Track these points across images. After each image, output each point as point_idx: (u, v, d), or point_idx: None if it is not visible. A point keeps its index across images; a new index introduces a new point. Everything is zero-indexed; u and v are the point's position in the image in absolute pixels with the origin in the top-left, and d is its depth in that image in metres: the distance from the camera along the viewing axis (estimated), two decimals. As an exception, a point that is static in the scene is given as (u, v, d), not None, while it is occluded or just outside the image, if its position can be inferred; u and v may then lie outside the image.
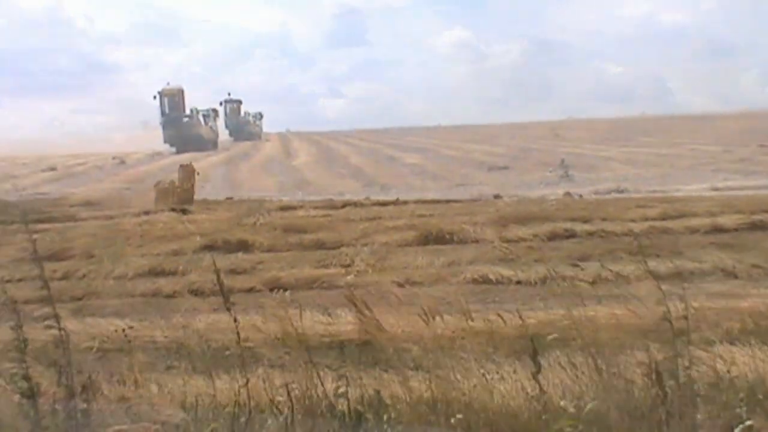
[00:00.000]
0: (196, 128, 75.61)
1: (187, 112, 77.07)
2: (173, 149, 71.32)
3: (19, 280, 12.84)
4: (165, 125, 74.99)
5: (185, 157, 52.84)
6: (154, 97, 76.30)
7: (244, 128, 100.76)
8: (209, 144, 74.34)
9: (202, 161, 52.32)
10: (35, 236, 17.97)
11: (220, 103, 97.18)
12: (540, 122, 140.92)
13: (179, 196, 26.21)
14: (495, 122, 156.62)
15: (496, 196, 23.83)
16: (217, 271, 6.09)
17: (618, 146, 52.57)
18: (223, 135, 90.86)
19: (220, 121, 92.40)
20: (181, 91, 78.28)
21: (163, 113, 75.93)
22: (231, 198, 27.91)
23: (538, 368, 5.13)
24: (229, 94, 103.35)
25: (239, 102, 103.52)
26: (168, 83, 78.02)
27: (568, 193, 23.76)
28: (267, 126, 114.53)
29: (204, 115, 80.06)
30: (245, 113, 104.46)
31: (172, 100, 76.65)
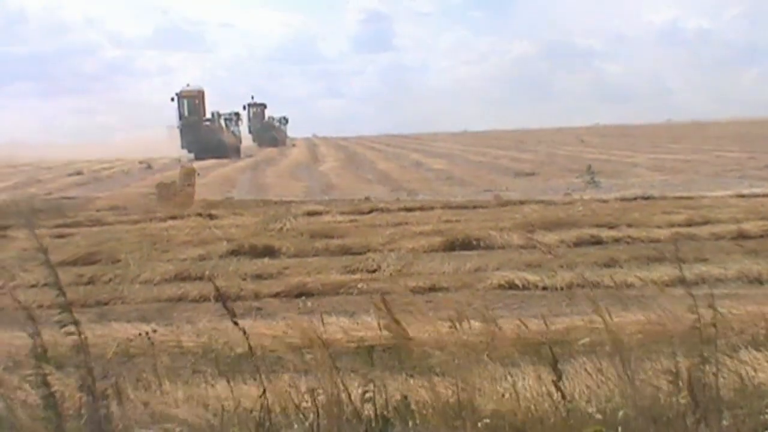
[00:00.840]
0: (217, 133, 70.47)
1: (208, 115, 71.63)
2: (191, 155, 66.59)
3: (44, 285, 12.94)
4: (183, 129, 69.77)
5: (209, 164, 52.76)
6: (172, 99, 70.64)
7: (268, 133, 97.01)
8: (231, 150, 69.46)
9: (227, 166, 52.46)
10: (63, 240, 18.13)
11: (244, 107, 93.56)
12: (566, 128, 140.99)
13: (179, 197, 26.34)
14: (521, 128, 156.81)
15: (522, 202, 23.75)
16: (216, 287, 6.09)
17: (644, 152, 52.41)
18: (247, 140, 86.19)
19: (244, 126, 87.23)
20: (201, 93, 72.48)
21: (181, 116, 70.51)
22: (262, 200, 27.97)
23: (559, 376, 5.12)
24: (252, 98, 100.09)
25: (263, 106, 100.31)
26: (188, 84, 72.40)
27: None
28: (293, 131, 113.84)
29: (226, 120, 75.02)
30: (270, 117, 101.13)
31: (191, 103, 71.09)
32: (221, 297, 5.88)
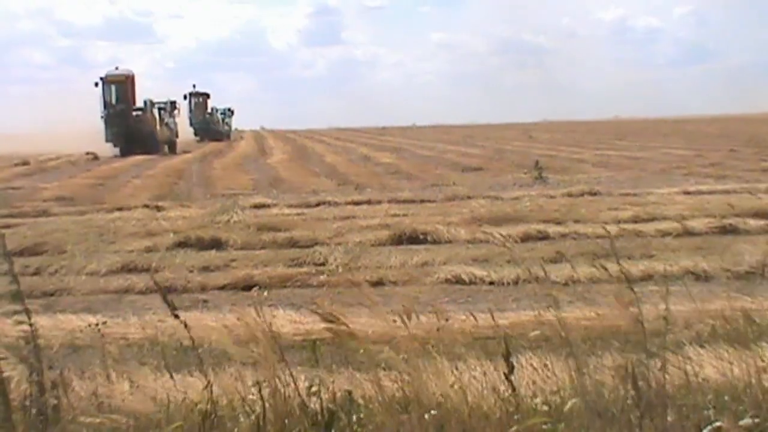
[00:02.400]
0: (148, 125, 60.30)
1: (139, 104, 61.54)
2: (116, 150, 58.29)
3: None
4: (108, 120, 59.37)
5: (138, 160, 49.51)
6: (96, 85, 60.11)
7: (211, 127, 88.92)
8: (164, 145, 61.64)
9: (174, 158, 52.13)
10: (8, 231, 18.00)
11: (184, 97, 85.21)
12: (514, 123, 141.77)
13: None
14: (469, 123, 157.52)
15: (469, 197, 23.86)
16: (156, 283, 6.08)
17: (591, 149, 52.77)
18: (188, 134, 79.06)
19: (184, 118, 78.28)
20: (130, 78, 62.01)
21: (106, 105, 59.98)
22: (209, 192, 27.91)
23: (511, 368, 5.16)
24: (194, 86, 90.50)
25: (206, 96, 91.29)
26: (116, 68, 62.52)
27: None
28: (242, 123, 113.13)
29: (160, 109, 64.38)
30: (213, 109, 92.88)
31: (119, 89, 60.68)
32: (160, 290, 5.87)
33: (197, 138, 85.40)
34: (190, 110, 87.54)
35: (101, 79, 60.02)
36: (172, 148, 62.32)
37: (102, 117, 59.83)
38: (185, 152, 59.55)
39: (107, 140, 58.99)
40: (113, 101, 60.17)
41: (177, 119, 67.46)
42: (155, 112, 63.03)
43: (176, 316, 5.60)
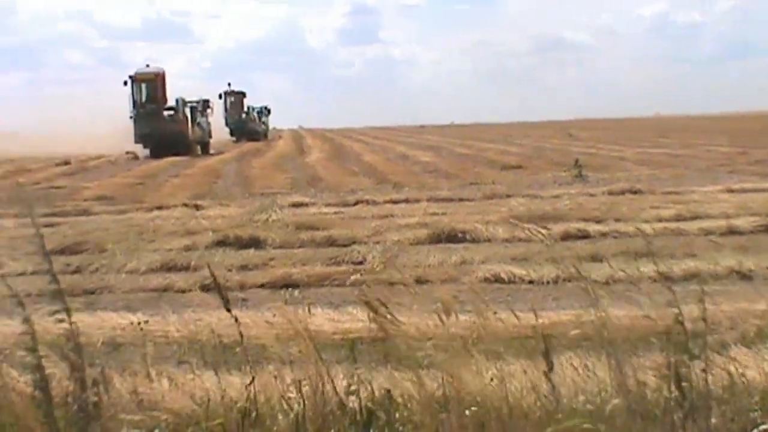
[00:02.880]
0: (179, 125, 56.65)
1: (171, 103, 58.01)
2: (146, 152, 55.47)
3: (33, 273, 12.94)
4: (138, 120, 56.13)
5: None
6: (125, 83, 56.91)
7: (247, 126, 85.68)
8: (196, 146, 58.39)
9: (212, 158, 52.25)
10: (50, 230, 18.14)
11: (220, 96, 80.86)
12: (553, 121, 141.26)
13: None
14: (508, 121, 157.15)
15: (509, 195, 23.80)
16: (213, 273, 6.08)
17: (632, 146, 52.47)
18: (223, 134, 76.86)
19: (218, 117, 75.07)
20: (161, 76, 58.55)
21: (135, 104, 56.87)
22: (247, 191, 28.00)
23: (551, 366, 5.13)
24: (229, 85, 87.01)
25: (242, 94, 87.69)
26: (147, 65, 59.37)
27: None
28: (280, 122, 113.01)
29: (192, 108, 59.80)
30: (249, 108, 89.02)
31: (149, 88, 57.44)
32: (217, 285, 5.87)
33: (233, 138, 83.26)
34: (226, 109, 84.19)
35: (130, 77, 57.03)
36: (205, 149, 59.64)
37: (131, 117, 56.73)
38: (218, 153, 57.40)
39: (136, 141, 56.26)
40: (143, 100, 57.10)
41: (210, 119, 63.43)
42: (187, 111, 58.97)
43: (228, 310, 5.62)
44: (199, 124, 60.09)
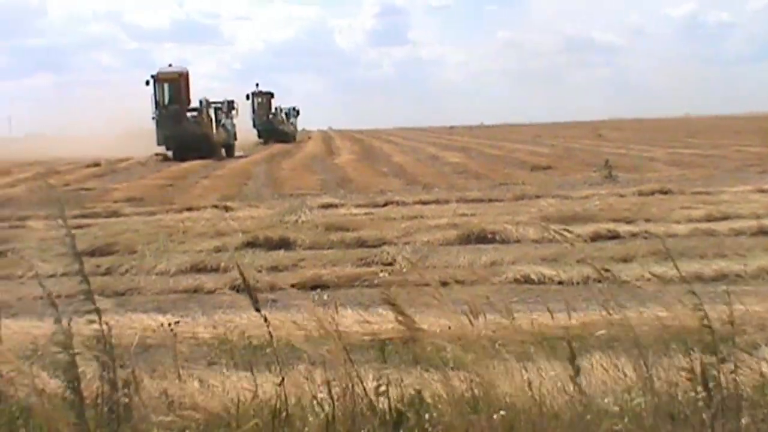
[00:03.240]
0: (204, 127, 53.65)
1: (194, 104, 55.27)
2: (169, 154, 53.47)
3: (63, 274, 12.99)
4: (160, 121, 54.07)
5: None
6: (147, 83, 54.81)
7: (275, 127, 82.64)
8: (220, 148, 55.07)
9: (241, 159, 52.32)
10: (80, 231, 18.23)
11: (247, 96, 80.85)
12: (583, 122, 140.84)
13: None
14: (537, 121, 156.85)
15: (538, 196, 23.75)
16: (242, 273, 6.09)
17: (662, 146, 52.24)
18: (248, 135, 72.90)
19: (246, 119, 74.73)
20: (184, 76, 56.22)
21: (158, 105, 54.72)
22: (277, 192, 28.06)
23: (577, 371, 5.12)
24: (257, 85, 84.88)
25: (270, 95, 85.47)
26: (170, 65, 57.12)
27: None
28: (309, 123, 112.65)
29: (216, 109, 56.60)
30: (277, 109, 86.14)
31: (172, 88, 55.13)
32: (247, 285, 5.90)
33: (260, 140, 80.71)
34: (253, 110, 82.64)
35: (152, 76, 54.71)
36: (230, 152, 56.61)
37: (153, 118, 54.51)
38: (243, 156, 55.43)
39: (159, 143, 54.10)
40: (165, 101, 54.87)
41: (235, 120, 60.03)
42: (211, 112, 55.72)
43: (258, 310, 5.63)
44: (223, 125, 57.01)
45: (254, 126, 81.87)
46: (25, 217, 22.66)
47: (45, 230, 18.80)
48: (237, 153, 57.25)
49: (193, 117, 54.13)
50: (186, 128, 52.87)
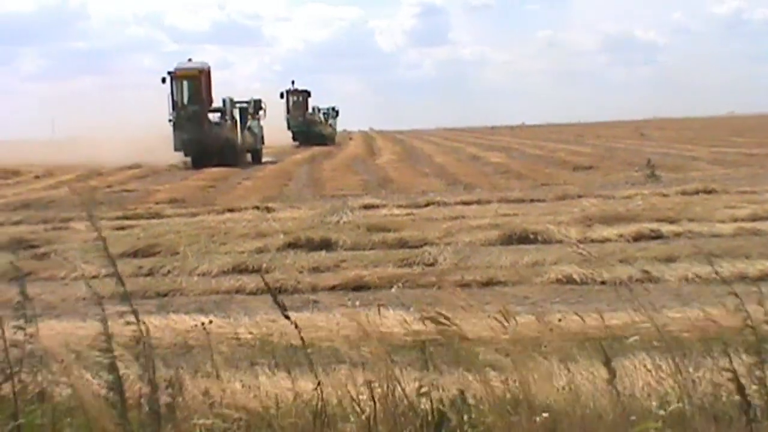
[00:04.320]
0: (227, 130, 47.89)
1: (217, 104, 49.22)
2: (188, 160, 47.63)
3: (105, 276, 13.09)
4: (178, 124, 47.67)
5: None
6: (163, 81, 48.13)
7: (312, 129, 75.92)
8: (245, 154, 50.08)
9: (284, 160, 52.35)
10: (123, 233, 18.34)
11: (281, 95, 74.74)
12: (625, 121, 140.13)
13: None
14: (579, 121, 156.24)
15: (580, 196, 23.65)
16: (266, 283, 6.12)
17: (706, 145, 51.86)
18: (277, 136, 66.38)
19: (279, 120, 69.83)
20: (204, 72, 49.30)
21: (174, 105, 48.10)
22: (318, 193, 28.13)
23: (613, 374, 5.09)
24: (293, 83, 78.05)
25: (306, 93, 78.72)
26: (189, 59, 50.40)
27: None
28: (349, 124, 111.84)
29: (241, 110, 50.22)
30: (315, 109, 79.41)
31: (192, 87, 48.55)
32: (271, 291, 5.91)
33: (296, 143, 74.80)
34: (288, 111, 76.47)
35: (169, 73, 48.14)
36: (257, 157, 50.73)
37: (170, 120, 47.96)
38: (272, 162, 49.40)
39: (176, 148, 47.73)
40: (184, 101, 48.37)
41: (263, 121, 52.94)
42: (236, 113, 49.63)
43: (287, 317, 5.63)
44: (249, 128, 50.47)
45: (289, 127, 76.49)
46: (68, 219, 22.84)
47: (87, 232, 18.94)
48: (265, 158, 51.76)
49: (215, 119, 48.43)
50: (207, 131, 47.08)
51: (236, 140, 48.37)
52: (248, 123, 50.47)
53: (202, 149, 46.29)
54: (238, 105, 50.02)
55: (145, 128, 56.93)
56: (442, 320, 5.39)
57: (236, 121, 49.23)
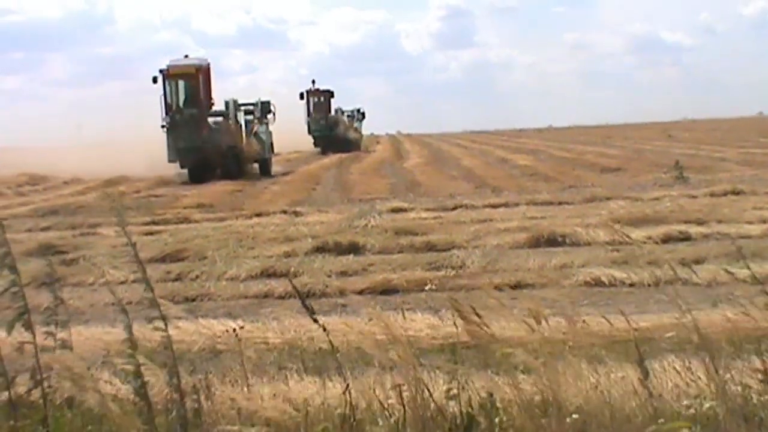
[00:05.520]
0: (229, 136, 40.46)
1: (219, 107, 41.80)
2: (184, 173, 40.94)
3: (133, 281, 13.14)
4: (172, 129, 40.29)
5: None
6: (155, 80, 40.61)
7: (334, 133, 68.25)
8: (251, 164, 42.58)
9: (312, 163, 52.36)
10: (151, 238, 18.42)
11: (301, 96, 67.11)
12: (653, 123, 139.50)
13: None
14: (607, 123, 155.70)
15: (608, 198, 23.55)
16: (295, 288, 6.13)
17: (734, 146, 51.57)
18: (294, 141, 61.72)
19: (297, 124, 63.85)
20: (203, 70, 41.49)
21: (167, 108, 40.63)
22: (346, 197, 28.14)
23: (646, 374, 5.07)
24: (313, 83, 69.57)
25: (329, 94, 69.96)
26: (186, 56, 42.72)
27: None
28: (376, 128, 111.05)
29: (246, 113, 42.59)
30: (338, 111, 71.30)
31: (188, 87, 41.22)
32: (299, 295, 5.92)
33: (317, 148, 68.21)
34: (308, 113, 68.81)
35: (161, 71, 40.63)
36: (265, 168, 42.94)
37: (163, 126, 40.64)
38: (284, 174, 43.05)
39: (170, 159, 40.77)
40: (179, 103, 41.05)
41: (272, 126, 44.47)
42: (240, 117, 42.03)
43: (315, 321, 5.63)
44: (256, 134, 42.59)
45: (309, 132, 69.15)
46: (96, 225, 22.96)
47: (115, 237, 19.03)
48: (276, 167, 45.08)
49: (216, 124, 40.83)
50: (206, 139, 39.77)
51: (240, 148, 41.13)
52: (255, 128, 42.84)
53: (201, 160, 39.74)
54: (243, 107, 42.61)
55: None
56: (474, 318, 5.38)
57: (241, 126, 41.82)
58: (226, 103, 41.58)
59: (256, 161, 42.88)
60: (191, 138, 39.69)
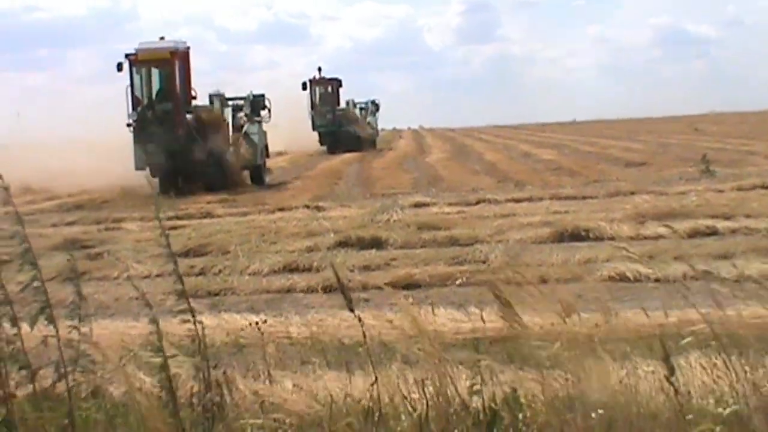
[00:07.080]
0: (212, 139, 32.35)
1: (200, 101, 33.70)
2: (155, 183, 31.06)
3: (157, 275, 13.17)
4: (141, 129, 31.84)
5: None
6: (119, 68, 31.75)
7: (343, 129, 58.21)
8: (239, 172, 34.05)
9: (333, 159, 52.36)
10: (174, 232, 18.44)
11: (303, 86, 57.62)
12: (679, 116, 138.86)
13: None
14: (631, 117, 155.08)
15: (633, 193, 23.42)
16: (337, 275, 6.08)
17: (762, 140, 51.23)
18: (290, 136, 54.82)
19: (298, 121, 56.52)
20: (180, 55, 32.76)
21: (134, 103, 32.41)
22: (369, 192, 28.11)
23: (671, 371, 5.02)
24: (319, 70, 59.88)
25: (337, 83, 60.08)
26: (162, 37, 33.42)
27: None
28: (400, 122, 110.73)
29: (234, 109, 34.83)
30: (349, 103, 61.82)
31: (161, 75, 33.07)
32: (341, 285, 5.90)
33: (323, 146, 59.14)
34: (313, 106, 58.71)
35: (127, 56, 32.00)
36: (257, 175, 35.06)
37: (129, 125, 32.25)
38: (282, 183, 35.66)
39: (138, 166, 31.43)
40: (150, 96, 32.97)
41: (265, 124, 36.22)
42: (226, 112, 34.57)
43: (352, 310, 5.62)
44: (246, 134, 34.80)
45: (314, 128, 59.29)
46: (120, 219, 23.04)
47: (139, 232, 19.09)
48: (268, 176, 36.34)
49: (195, 122, 32.60)
50: (183, 141, 31.86)
51: (226, 153, 33.10)
52: (245, 127, 34.88)
53: (176, 167, 32.02)
54: (231, 102, 35.05)
55: None
56: (509, 303, 5.35)
57: (227, 124, 34.28)
58: (210, 98, 34.42)
59: (246, 167, 34.75)
60: (164, 140, 31.71)
